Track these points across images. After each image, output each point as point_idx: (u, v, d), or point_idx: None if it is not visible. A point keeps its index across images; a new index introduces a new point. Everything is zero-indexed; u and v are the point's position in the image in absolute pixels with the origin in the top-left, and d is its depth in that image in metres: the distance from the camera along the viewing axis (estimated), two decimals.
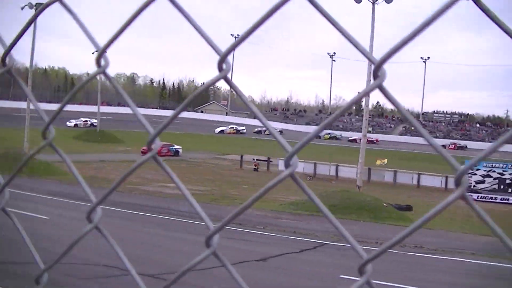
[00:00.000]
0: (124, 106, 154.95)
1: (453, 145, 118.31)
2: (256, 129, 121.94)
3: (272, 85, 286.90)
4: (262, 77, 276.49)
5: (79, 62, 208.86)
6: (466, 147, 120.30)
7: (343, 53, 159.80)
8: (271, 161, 59.46)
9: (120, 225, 25.18)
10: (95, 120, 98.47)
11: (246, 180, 49.56)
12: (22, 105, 62.58)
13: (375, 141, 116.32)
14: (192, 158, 67.66)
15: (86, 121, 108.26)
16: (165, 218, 27.95)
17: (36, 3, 58.04)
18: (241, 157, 62.59)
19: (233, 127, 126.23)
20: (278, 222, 28.39)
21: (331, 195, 34.49)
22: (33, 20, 1.49)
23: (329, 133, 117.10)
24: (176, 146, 70.99)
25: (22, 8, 59.38)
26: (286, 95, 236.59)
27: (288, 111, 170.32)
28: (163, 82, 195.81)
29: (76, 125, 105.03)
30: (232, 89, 1.40)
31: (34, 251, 1.70)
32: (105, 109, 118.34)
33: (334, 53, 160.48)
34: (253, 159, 62.12)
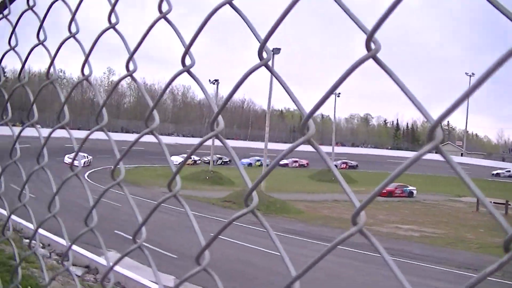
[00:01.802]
0: (358, 146, 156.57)
1: (345, 164, 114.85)
2: None
3: (510, 124, 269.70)
4: (499, 116, 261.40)
5: (313, 103, 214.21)
6: (357, 166, 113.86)
7: None
8: (509, 204, 55.97)
9: (350, 265, 25.27)
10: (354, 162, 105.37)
11: (483, 224, 47.12)
12: (260, 145, 65.66)
13: (305, 165, 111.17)
14: (426, 199, 65.97)
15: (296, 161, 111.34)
16: (397, 260, 27.35)
17: (273, 48, 60.92)
18: (478, 199, 59.70)
19: None
20: None
21: None
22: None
23: (259, 160, 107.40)
24: (410, 187, 69.64)
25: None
26: None
27: None
28: (397, 123, 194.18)
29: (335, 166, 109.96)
30: (317, 152, 1.41)
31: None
32: (339, 149, 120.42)
33: None
34: (490, 202, 58.87)
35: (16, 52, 2.72)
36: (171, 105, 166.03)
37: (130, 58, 1.87)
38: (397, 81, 1.12)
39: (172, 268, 20.19)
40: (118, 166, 1.99)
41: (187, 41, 1.63)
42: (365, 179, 76.44)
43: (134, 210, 1.95)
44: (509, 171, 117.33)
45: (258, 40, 1.42)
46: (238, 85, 1.46)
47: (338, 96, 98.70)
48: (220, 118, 1.52)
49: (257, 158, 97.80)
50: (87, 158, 79.19)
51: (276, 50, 61.26)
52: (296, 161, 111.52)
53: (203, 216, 34.20)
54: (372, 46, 1.13)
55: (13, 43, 2.74)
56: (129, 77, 1.95)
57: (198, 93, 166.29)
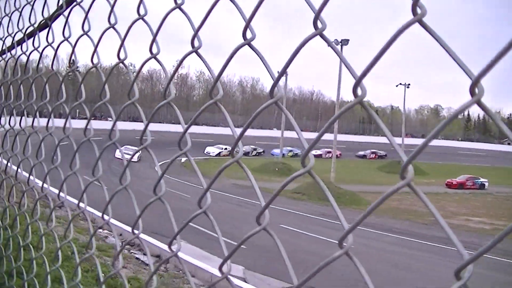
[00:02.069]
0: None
1: (374, 155, 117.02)
2: None
3: None
4: None
5: (383, 95, 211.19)
6: (385, 155, 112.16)
7: None
8: None
9: (421, 257, 24.99)
10: (382, 152, 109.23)
11: None
12: (330, 136, 65.18)
13: (338, 155, 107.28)
14: (499, 192, 64.11)
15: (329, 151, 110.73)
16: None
17: (341, 40, 60.51)
18: None
19: None
20: None
21: None
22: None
23: (291, 150, 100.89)
24: (481, 179, 68.03)
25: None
26: None
27: None
28: (468, 114, 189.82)
29: (364, 156, 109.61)
30: (370, 116, 1.40)
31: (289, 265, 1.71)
32: (409, 141, 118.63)
33: None
34: None
35: (89, 36, 2.86)
36: (240, 97, 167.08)
37: (195, 35, 1.95)
38: (443, 44, 1.16)
39: (241, 258, 20.22)
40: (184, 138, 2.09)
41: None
42: (435, 171, 75.18)
43: (198, 174, 2.04)
44: None
45: (312, 10, 1.41)
46: (295, 54, 1.48)
47: (408, 87, 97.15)
48: (279, 85, 1.56)
49: (290, 148, 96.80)
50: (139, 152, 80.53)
51: (345, 41, 60.90)
52: (329, 152, 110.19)
53: (272, 208, 34.24)
54: (418, 11, 1.16)
55: (86, 28, 2.89)
56: (196, 71, 2.04)
57: (267, 85, 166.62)
